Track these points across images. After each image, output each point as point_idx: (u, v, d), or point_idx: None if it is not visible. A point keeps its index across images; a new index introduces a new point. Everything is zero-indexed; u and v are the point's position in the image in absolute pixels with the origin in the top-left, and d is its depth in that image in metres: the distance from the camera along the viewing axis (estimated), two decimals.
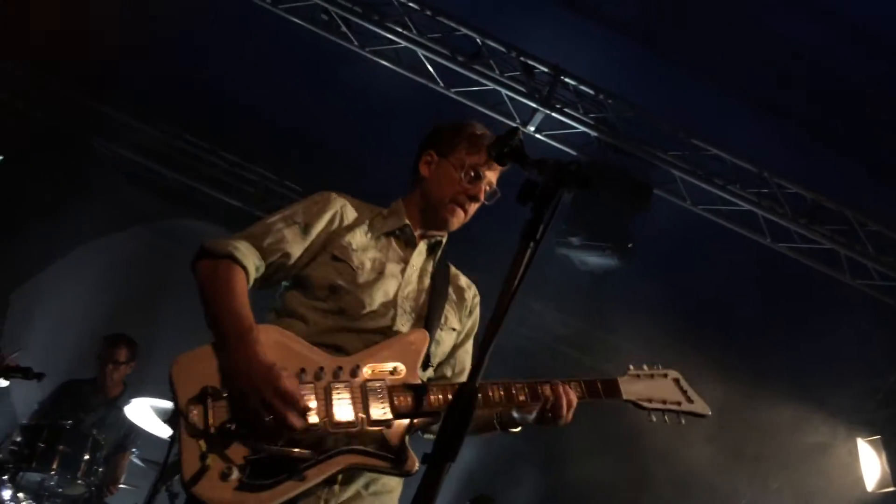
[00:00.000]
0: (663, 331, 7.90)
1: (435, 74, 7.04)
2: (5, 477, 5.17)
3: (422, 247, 2.68)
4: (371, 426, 2.19)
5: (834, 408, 8.39)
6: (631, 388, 2.56)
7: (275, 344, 2.27)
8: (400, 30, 6.82)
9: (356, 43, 6.93)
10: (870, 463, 7.90)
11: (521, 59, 6.97)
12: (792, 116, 7.74)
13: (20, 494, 5.19)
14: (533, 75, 7.01)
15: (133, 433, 6.21)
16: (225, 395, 2.17)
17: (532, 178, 1.94)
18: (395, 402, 2.23)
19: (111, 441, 5.91)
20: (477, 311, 2.80)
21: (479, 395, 2.28)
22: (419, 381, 2.31)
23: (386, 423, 2.19)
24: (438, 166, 2.70)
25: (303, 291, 2.50)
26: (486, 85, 7.01)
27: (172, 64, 7.70)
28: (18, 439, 5.39)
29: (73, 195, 8.43)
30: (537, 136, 7.19)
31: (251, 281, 2.43)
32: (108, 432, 5.96)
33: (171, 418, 2.06)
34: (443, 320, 2.58)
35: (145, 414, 5.85)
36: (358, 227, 2.62)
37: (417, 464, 2.14)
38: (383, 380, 2.27)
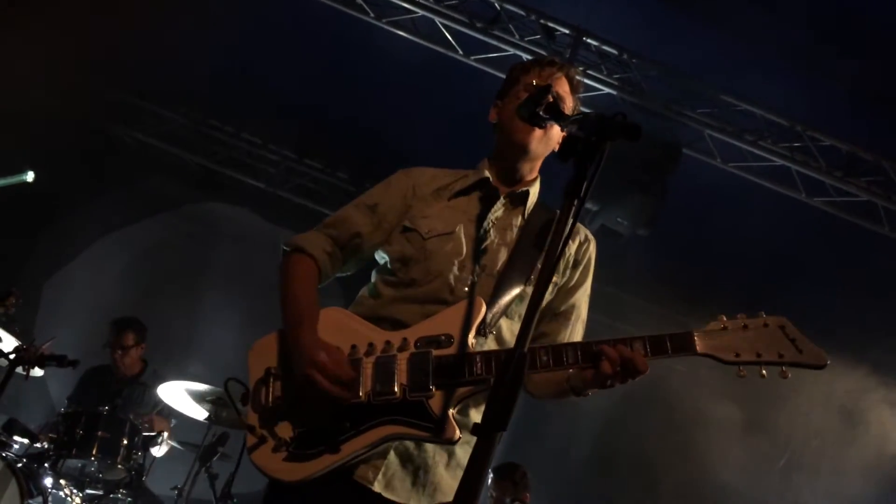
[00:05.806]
0: (692, 293, 7.78)
1: (453, 42, 6.91)
2: (46, 465, 5.19)
3: (504, 200, 2.58)
4: (412, 396, 2.19)
5: (876, 360, 8.25)
6: (711, 342, 2.18)
7: (333, 323, 2.36)
8: None
9: (372, 14, 6.83)
10: None
11: (541, 21, 6.82)
12: (823, 68, 7.52)
13: (62, 481, 5.20)
14: (554, 38, 6.87)
15: (165, 406, 6.18)
16: (282, 374, 2.32)
17: (573, 134, 1.85)
18: (438, 372, 2.20)
19: (147, 414, 5.93)
20: (586, 262, 2.63)
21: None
22: (467, 350, 2.23)
23: (426, 393, 2.18)
24: (504, 105, 2.66)
25: (383, 269, 2.57)
26: (506, 51, 6.87)
27: (192, 49, 7.64)
28: (57, 425, 5.41)
29: (100, 185, 8.45)
30: None
31: (325, 266, 2.53)
32: (141, 408, 6.00)
33: (243, 398, 2.35)
34: (532, 275, 2.43)
35: (180, 397, 5.86)
36: (433, 193, 2.61)
37: (458, 432, 2.13)
38: (429, 351, 2.24)
